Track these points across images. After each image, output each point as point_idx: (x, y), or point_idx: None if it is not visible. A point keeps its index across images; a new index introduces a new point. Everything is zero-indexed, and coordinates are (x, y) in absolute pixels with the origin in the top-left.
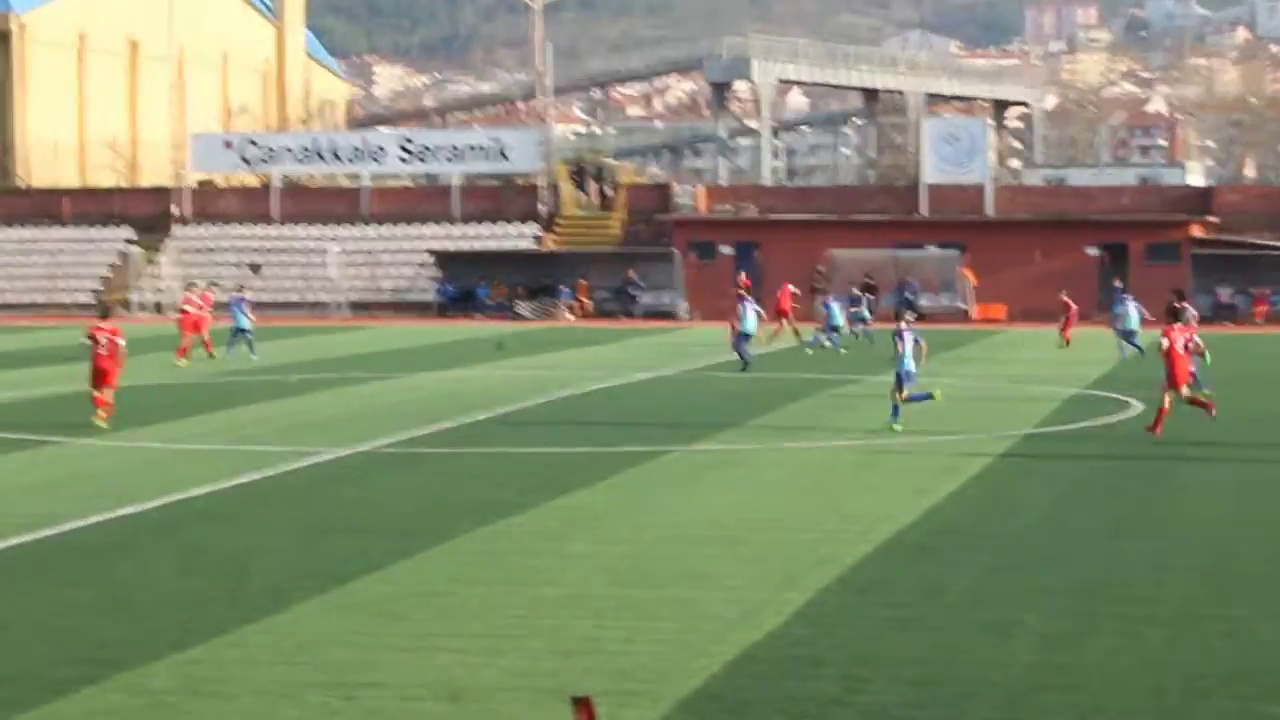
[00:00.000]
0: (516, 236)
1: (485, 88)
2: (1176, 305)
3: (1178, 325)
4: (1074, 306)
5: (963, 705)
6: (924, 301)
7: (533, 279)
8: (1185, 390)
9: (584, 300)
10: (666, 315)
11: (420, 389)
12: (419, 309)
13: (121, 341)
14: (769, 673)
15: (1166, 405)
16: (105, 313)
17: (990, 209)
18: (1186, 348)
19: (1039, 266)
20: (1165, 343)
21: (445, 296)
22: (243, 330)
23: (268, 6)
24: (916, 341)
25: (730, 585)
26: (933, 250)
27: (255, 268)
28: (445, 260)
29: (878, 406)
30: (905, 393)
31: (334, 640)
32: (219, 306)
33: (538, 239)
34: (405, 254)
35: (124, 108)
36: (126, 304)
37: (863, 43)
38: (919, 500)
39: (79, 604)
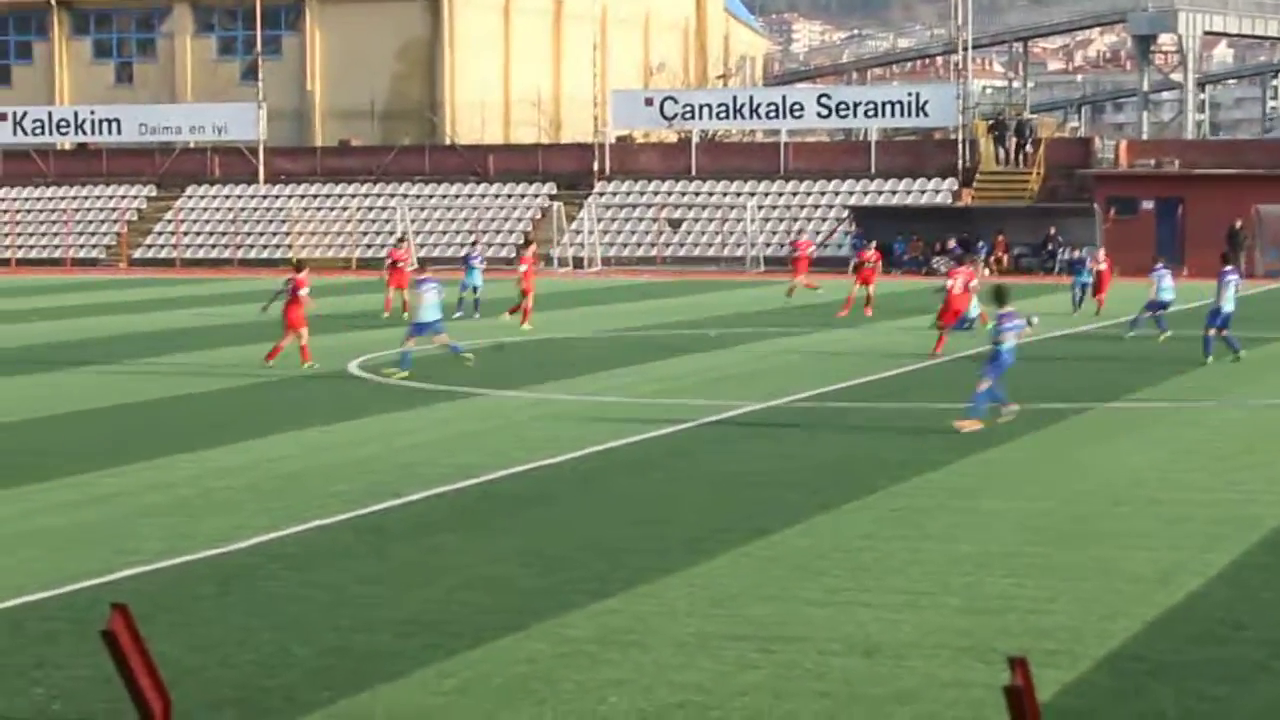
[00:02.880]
0: (934, 192)
1: (903, 43)
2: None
3: (962, 268)
4: None
5: None
6: None
7: (950, 234)
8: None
9: (1001, 255)
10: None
11: (835, 344)
12: (834, 264)
13: (303, 292)
14: (1191, 635)
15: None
16: (299, 266)
17: None
18: (966, 288)
19: None
20: (949, 283)
21: None
22: (470, 287)
23: None
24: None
25: (1150, 545)
26: None
27: (675, 223)
28: (862, 215)
29: None
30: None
31: (751, 593)
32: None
33: (955, 194)
34: (822, 209)
35: (548, 66)
36: (548, 258)
37: None
38: None
39: (501, 553)
